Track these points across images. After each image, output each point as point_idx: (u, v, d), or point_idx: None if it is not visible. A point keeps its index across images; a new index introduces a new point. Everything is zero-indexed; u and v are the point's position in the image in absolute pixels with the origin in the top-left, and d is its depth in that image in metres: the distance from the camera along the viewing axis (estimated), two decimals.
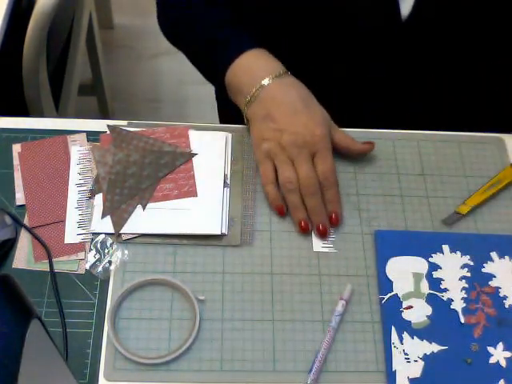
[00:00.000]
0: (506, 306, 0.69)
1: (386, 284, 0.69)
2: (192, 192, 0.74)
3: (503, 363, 0.65)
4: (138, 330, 0.65)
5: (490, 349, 0.66)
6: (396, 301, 0.68)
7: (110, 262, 0.69)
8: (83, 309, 0.66)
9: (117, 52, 2.04)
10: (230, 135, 0.79)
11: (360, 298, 0.69)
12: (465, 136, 0.82)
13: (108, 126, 0.78)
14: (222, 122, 1.10)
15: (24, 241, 0.70)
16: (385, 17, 0.77)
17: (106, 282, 0.68)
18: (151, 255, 0.70)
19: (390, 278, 0.69)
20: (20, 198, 0.73)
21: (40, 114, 1.16)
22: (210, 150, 0.77)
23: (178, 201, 0.73)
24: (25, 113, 1.16)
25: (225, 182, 0.75)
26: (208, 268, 0.70)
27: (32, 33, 1.02)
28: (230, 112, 1.06)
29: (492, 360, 0.65)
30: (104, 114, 1.79)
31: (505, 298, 0.69)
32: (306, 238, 0.72)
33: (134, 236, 0.71)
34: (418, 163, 0.80)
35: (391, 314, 0.67)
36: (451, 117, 0.80)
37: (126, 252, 0.70)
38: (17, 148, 0.76)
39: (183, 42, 0.88)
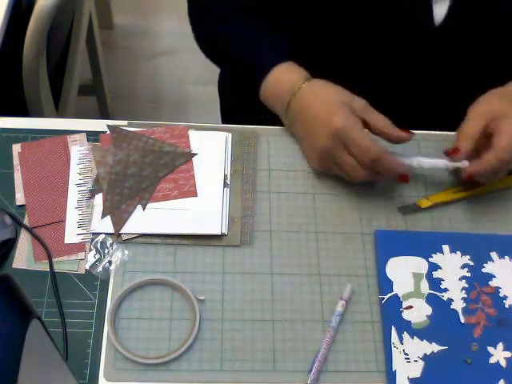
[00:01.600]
0: (506, 306, 0.69)
1: (386, 284, 0.69)
2: (192, 192, 0.74)
3: (503, 363, 0.65)
4: (138, 329, 0.65)
5: (490, 349, 0.66)
6: (396, 301, 0.68)
7: (109, 262, 0.69)
8: (83, 309, 0.66)
9: (117, 52, 2.04)
10: (229, 135, 0.79)
11: (360, 298, 0.69)
12: None
13: (108, 126, 0.78)
14: (222, 121, 1.10)
15: (24, 241, 0.70)
16: (418, 21, 0.78)
17: (105, 282, 0.68)
18: (151, 255, 0.70)
19: (390, 278, 0.69)
20: (20, 198, 0.73)
21: (40, 114, 1.16)
22: (210, 149, 0.77)
23: (178, 201, 0.73)
24: (25, 113, 1.16)
25: (225, 181, 0.75)
26: (208, 268, 0.70)
27: (32, 33, 1.02)
28: (230, 112, 1.07)
29: (492, 360, 0.65)
30: (104, 114, 1.79)
31: (505, 298, 0.69)
32: (306, 238, 0.72)
33: (134, 236, 0.71)
34: None
35: (391, 313, 0.67)
36: (457, 117, 0.80)
37: (126, 252, 0.70)
38: (17, 148, 0.76)
39: (218, 59, 0.90)
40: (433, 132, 0.83)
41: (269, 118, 0.82)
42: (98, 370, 0.63)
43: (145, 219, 0.71)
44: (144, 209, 0.72)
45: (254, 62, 0.81)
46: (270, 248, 0.72)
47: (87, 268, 0.69)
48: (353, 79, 0.86)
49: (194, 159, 0.76)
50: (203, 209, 0.73)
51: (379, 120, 0.73)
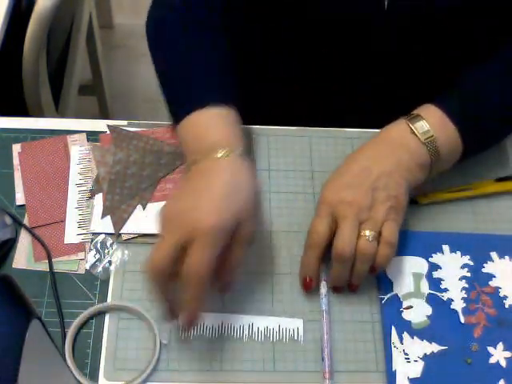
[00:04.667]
0: (506, 306, 0.69)
1: (385, 284, 0.69)
2: None
3: (503, 363, 0.65)
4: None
5: (490, 349, 0.66)
6: (396, 301, 0.68)
7: (110, 262, 0.69)
8: (83, 309, 0.66)
9: (117, 52, 2.04)
10: None
11: (360, 298, 0.69)
12: None
13: (108, 126, 0.78)
14: None
15: (24, 241, 0.70)
16: (369, 5, 0.76)
17: (106, 282, 0.68)
18: None
19: (390, 278, 0.69)
20: (20, 198, 0.73)
21: (40, 114, 1.16)
22: None
23: None
24: (25, 113, 1.16)
25: None
26: None
27: (32, 33, 1.02)
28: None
29: (492, 360, 0.65)
30: (104, 114, 1.79)
31: (505, 298, 0.69)
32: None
33: (134, 236, 0.71)
34: None
35: (391, 313, 0.67)
36: None
37: (126, 252, 0.70)
38: (17, 148, 0.76)
39: (157, 58, 0.76)
40: None
41: (268, 118, 0.82)
42: (98, 370, 0.63)
43: (145, 219, 0.71)
44: (144, 209, 0.72)
45: (187, 87, 0.70)
46: (269, 248, 0.72)
47: (87, 268, 0.69)
48: (353, 79, 0.87)
49: None
50: None
51: (235, 259, 0.60)
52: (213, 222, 0.57)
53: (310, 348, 0.65)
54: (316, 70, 0.86)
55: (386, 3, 0.75)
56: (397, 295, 0.68)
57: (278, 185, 0.76)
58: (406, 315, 0.67)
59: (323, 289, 0.68)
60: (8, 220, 0.70)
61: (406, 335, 0.66)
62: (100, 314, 0.66)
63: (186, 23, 0.75)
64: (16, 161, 0.75)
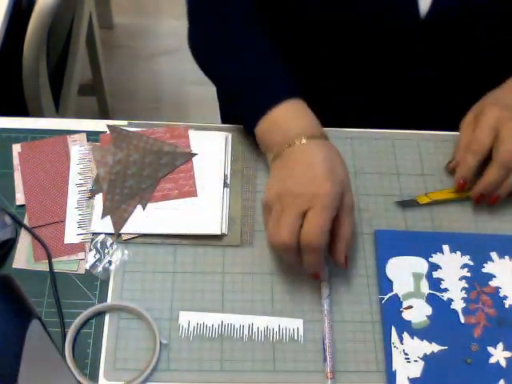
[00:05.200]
0: (506, 306, 0.69)
1: (386, 284, 0.69)
2: (192, 192, 0.74)
3: (503, 363, 0.65)
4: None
5: (490, 349, 0.66)
6: (396, 301, 0.68)
7: (110, 262, 0.69)
8: (83, 309, 0.66)
9: (117, 52, 2.04)
10: (230, 135, 0.79)
11: (360, 298, 0.69)
12: None
13: (108, 126, 0.78)
14: (222, 121, 1.10)
15: (24, 241, 0.70)
16: (404, 15, 0.77)
17: (105, 282, 0.68)
18: (151, 255, 0.70)
19: (390, 277, 0.69)
20: (20, 198, 0.73)
21: (40, 114, 1.16)
22: (210, 150, 0.77)
23: (178, 201, 0.73)
24: (25, 113, 1.16)
25: (225, 182, 0.75)
26: (208, 268, 0.70)
27: (32, 33, 1.02)
28: (230, 112, 1.07)
29: (492, 360, 0.65)
30: (104, 114, 1.79)
31: (505, 298, 0.69)
32: None
33: (134, 236, 0.71)
34: (418, 163, 0.80)
35: (391, 313, 0.67)
36: (457, 116, 0.80)
37: (126, 252, 0.70)
38: (17, 148, 0.76)
39: (213, 70, 0.82)
40: (433, 132, 0.83)
41: None
42: (98, 370, 0.63)
43: (145, 219, 0.71)
44: (144, 209, 0.72)
45: (265, 79, 0.74)
46: (270, 248, 0.72)
47: (87, 268, 0.69)
48: (353, 79, 0.87)
49: (194, 159, 0.76)
50: (203, 209, 0.73)
51: (345, 232, 0.66)
52: (328, 189, 0.64)
53: (310, 348, 0.66)
54: (316, 69, 0.86)
55: (419, 12, 0.75)
56: (397, 295, 0.68)
57: None
58: (406, 315, 0.67)
59: (325, 289, 0.68)
60: (8, 220, 0.70)
61: (405, 335, 0.66)
62: (100, 314, 0.66)
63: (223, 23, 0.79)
64: (16, 161, 0.75)
